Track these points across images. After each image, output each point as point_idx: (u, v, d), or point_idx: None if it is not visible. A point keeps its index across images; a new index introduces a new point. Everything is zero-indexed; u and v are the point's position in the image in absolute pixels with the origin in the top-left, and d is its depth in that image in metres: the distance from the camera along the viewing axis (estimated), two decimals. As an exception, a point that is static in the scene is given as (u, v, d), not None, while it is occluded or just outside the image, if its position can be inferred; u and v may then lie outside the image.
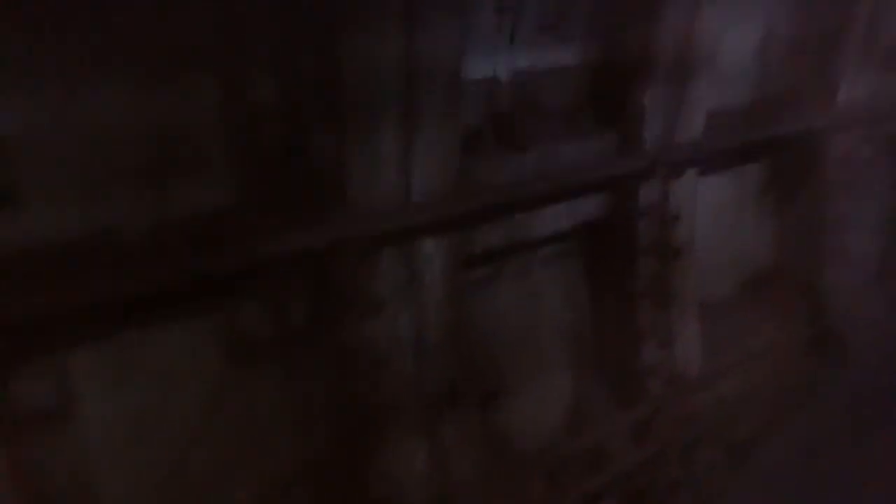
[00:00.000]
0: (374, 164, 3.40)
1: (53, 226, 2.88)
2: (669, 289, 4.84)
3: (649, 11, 4.16)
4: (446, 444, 4.11)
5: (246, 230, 3.27)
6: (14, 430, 3.00)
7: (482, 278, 4.41)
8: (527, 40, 4.04)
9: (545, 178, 4.08)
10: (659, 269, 4.78)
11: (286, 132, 3.33)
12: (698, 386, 5.22)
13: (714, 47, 4.49)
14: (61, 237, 2.90)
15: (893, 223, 6.49)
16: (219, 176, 3.30)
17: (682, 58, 4.35)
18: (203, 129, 3.19)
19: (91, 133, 2.88)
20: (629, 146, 4.43)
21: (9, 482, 2.95)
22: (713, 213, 5.43)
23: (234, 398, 3.63)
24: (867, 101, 5.56)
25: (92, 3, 2.73)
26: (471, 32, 3.70)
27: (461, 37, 3.46)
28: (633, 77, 4.31)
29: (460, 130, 3.69)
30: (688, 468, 5.15)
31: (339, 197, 3.40)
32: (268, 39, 3.15)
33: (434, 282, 3.81)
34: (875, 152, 6.02)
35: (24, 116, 2.73)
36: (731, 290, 5.88)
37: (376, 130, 3.35)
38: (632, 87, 4.33)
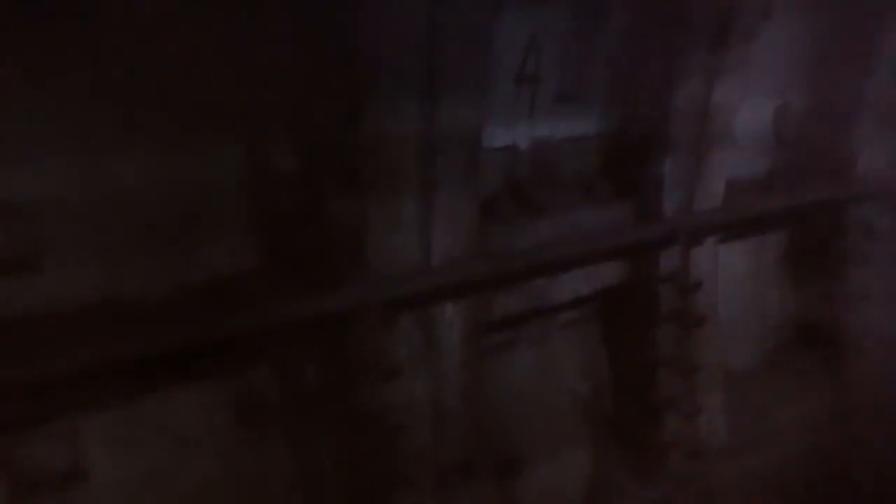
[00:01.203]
0: (394, 228, 3.43)
1: (70, 289, 2.91)
2: (692, 358, 4.76)
3: (667, 81, 4.23)
4: (462, 515, 4.00)
5: (264, 293, 3.29)
6: (26, 493, 2.98)
7: (500, 344, 4.37)
8: (546, 110, 4.11)
9: (564, 244, 4.08)
10: (681, 338, 4.71)
11: (306, 196, 3.38)
12: (723, 459, 5.07)
13: (732, 116, 4.53)
14: (77, 300, 2.93)
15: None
16: (237, 239, 3.34)
17: (700, 127, 4.39)
18: (222, 193, 3.25)
19: (110, 197, 2.94)
20: (649, 214, 4.44)
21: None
22: (735, 282, 5.37)
23: (248, 462, 3.58)
24: (887, 170, 5.56)
25: (116, 69, 2.82)
26: (491, 102, 3.78)
27: (482, 106, 3.53)
28: (652, 146, 4.35)
29: (480, 197, 3.72)
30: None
31: (357, 261, 3.41)
32: (289, 105, 3.23)
33: (452, 347, 3.78)
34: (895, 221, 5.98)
35: (42, 181, 2.79)
36: (754, 359, 5.77)
37: (396, 195, 3.39)
38: (651, 156, 4.36)
